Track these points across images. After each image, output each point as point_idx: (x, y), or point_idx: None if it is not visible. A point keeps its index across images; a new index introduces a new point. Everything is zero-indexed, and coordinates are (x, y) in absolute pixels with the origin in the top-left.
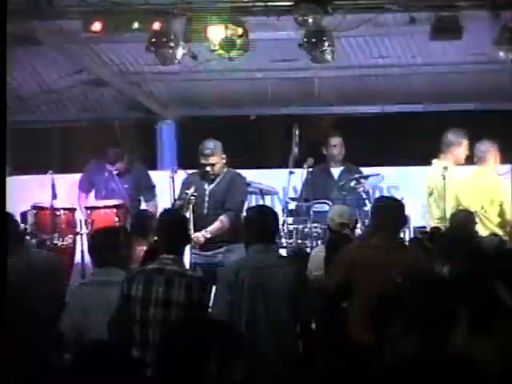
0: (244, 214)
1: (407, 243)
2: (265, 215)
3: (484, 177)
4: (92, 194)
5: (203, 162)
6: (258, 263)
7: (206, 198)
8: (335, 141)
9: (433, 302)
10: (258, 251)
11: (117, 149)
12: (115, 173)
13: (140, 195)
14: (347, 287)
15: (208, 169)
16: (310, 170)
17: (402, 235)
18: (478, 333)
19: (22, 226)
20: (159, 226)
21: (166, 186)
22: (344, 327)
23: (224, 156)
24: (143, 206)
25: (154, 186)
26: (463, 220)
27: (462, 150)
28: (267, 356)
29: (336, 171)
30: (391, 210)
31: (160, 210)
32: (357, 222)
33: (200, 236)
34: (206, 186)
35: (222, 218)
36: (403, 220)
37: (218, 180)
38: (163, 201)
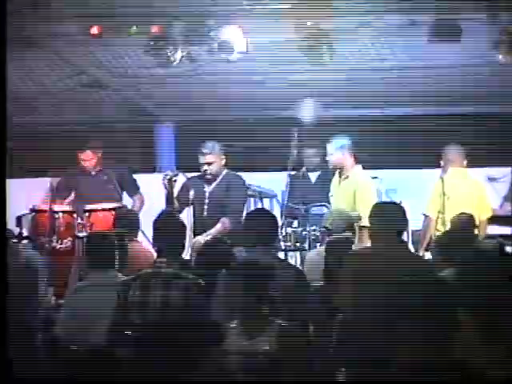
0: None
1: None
2: (263, 218)
3: (465, 176)
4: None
5: (201, 161)
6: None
7: (206, 200)
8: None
9: (435, 303)
10: (257, 254)
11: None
12: (93, 173)
13: (123, 191)
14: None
15: (205, 167)
16: (292, 173)
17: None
18: (483, 335)
19: (17, 229)
20: (155, 229)
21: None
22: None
23: (223, 157)
24: (128, 201)
25: (135, 180)
26: (465, 222)
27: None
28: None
29: (313, 175)
30: (391, 213)
31: (147, 203)
32: (351, 225)
33: (201, 239)
34: (205, 188)
35: (224, 219)
36: (404, 223)
37: (217, 182)
38: (162, 204)
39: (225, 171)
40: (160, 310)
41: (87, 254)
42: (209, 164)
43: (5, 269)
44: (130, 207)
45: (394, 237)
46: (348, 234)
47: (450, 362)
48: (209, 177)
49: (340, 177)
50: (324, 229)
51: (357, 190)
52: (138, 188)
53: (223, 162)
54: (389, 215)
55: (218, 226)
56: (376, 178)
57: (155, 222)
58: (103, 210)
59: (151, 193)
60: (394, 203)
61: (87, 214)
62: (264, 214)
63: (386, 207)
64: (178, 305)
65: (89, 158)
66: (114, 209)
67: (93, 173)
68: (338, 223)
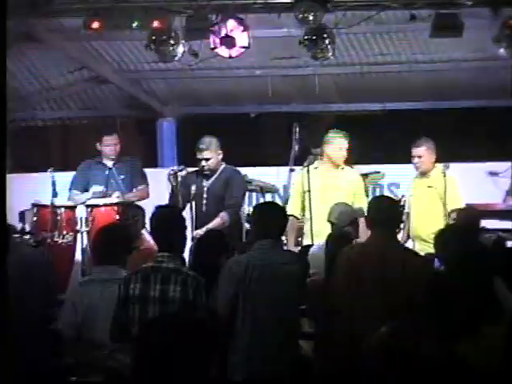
0: (244, 209)
1: None
2: (273, 211)
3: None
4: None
5: (198, 156)
6: (265, 259)
7: (205, 195)
8: (318, 151)
9: (430, 301)
10: (266, 247)
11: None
12: (110, 165)
13: (132, 183)
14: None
15: (203, 163)
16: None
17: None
18: (474, 332)
19: (20, 224)
20: (154, 224)
21: (168, 183)
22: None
23: (220, 152)
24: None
25: (144, 172)
26: (470, 217)
27: (333, 149)
28: (270, 353)
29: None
30: (385, 209)
31: (149, 203)
32: (356, 220)
33: (201, 233)
34: (204, 183)
35: (223, 214)
36: (398, 218)
37: (215, 176)
38: (164, 198)
39: (223, 166)
40: (159, 305)
41: (91, 249)
42: (206, 160)
43: (5, 265)
44: (132, 195)
45: (386, 231)
46: (348, 228)
47: (446, 359)
48: (207, 172)
49: (337, 166)
50: (329, 223)
51: (357, 191)
52: (145, 180)
53: (220, 156)
54: (384, 210)
55: (217, 221)
56: (378, 172)
57: (155, 217)
58: (105, 205)
59: (153, 187)
60: (389, 198)
61: (89, 208)
62: (274, 208)
63: (380, 202)
64: (176, 299)
65: (114, 143)
66: (116, 204)
67: (109, 164)
68: (342, 217)
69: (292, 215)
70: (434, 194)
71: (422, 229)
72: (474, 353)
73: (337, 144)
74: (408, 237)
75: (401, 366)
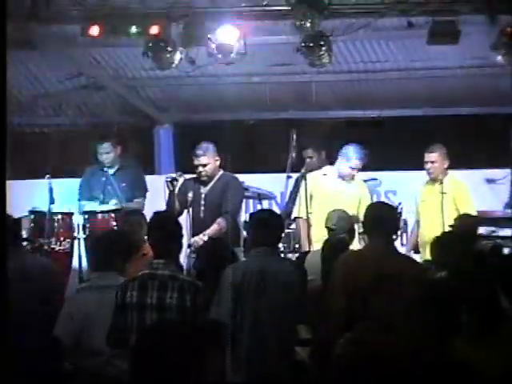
0: (242, 216)
1: None
2: (270, 218)
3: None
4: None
5: (196, 162)
6: (262, 266)
7: (202, 202)
8: (308, 153)
9: (431, 308)
10: (263, 254)
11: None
12: (111, 171)
13: (133, 191)
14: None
15: (200, 169)
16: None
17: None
18: (479, 338)
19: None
20: (150, 230)
21: (165, 190)
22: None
23: (217, 158)
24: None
25: (145, 184)
26: (468, 225)
27: (345, 166)
28: (267, 359)
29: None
30: (382, 215)
31: (147, 210)
32: (353, 226)
33: (198, 240)
34: (201, 190)
35: (220, 220)
36: (395, 225)
37: (213, 182)
38: (162, 205)
39: (220, 172)
40: (157, 312)
41: (91, 255)
42: (203, 166)
43: (5, 271)
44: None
45: (383, 238)
46: (343, 235)
47: (441, 364)
48: (204, 178)
49: (344, 178)
50: (327, 229)
51: (362, 198)
52: (144, 192)
53: (218, 162)
54: (378, 217)
55: (214, 227)
56: (375, 179)
57: (152, 223)
58: (102, 212)
59: (151, 194)
60: (386, 205)
61: (86, 215)
62: (271, 215)
63: (377, 209)
64: (173, 306)
65: (106, 151)
66: (113, 211)
67: (110, 172)
68: (340, 224)
69: (301, 217)
70: (447, 200)
71: (434, 235)
72: (475, 357)
73: (351, 163)
74: (416, 243)
75: (364, 372)
